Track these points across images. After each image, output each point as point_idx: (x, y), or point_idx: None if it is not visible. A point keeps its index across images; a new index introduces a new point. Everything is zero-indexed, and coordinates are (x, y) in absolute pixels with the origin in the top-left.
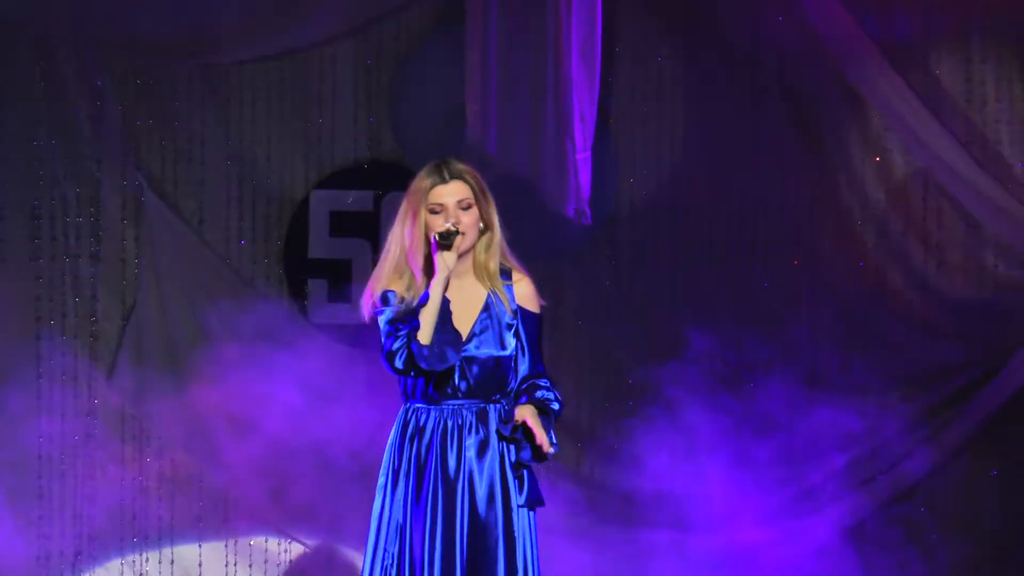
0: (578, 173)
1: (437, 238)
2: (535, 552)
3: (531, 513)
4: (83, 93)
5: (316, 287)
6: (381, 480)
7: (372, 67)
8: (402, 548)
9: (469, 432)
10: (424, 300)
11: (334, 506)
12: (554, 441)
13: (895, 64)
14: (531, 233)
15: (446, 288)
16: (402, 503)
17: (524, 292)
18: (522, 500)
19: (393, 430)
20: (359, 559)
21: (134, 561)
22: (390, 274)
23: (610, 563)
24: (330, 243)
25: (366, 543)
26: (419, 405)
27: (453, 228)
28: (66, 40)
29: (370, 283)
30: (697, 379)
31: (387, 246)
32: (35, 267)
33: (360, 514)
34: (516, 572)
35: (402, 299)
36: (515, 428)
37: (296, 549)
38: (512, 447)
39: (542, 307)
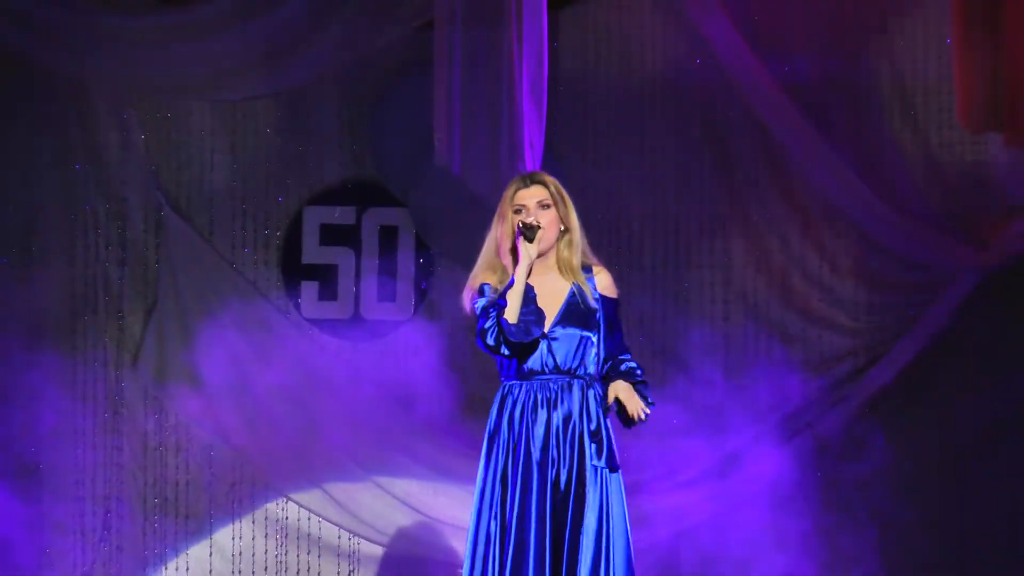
0: None
1: (520, 227)
2: (620, 510)
3: (612, 475)
4: (112, 125)
5: (308, 288)
6: (483, 450)
7: (354, 103)
8: (505, 512)
9: (556, 405)
10: (510, 285)
11: (327, 471)
12: (651, 400)
13: (793, 98)
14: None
15: (529, 274)
16: (500, 470)
17: (604, 282)
18: (601, 462)
19: (492, 406)
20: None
21: (155, 519)
22: (485, 270)
23: None
24: (320, 251)
25: (472, 510)
26: (513, 382)
27: (535, 223)
28: (98, 81)
29: (469, 280)
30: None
31: (484, 246)
32: (71, 271)
33: (351, 479)
34: (591, 530)
35: (495, 290)
36: (607, 408)
37: (292, 510)
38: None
39: (618, 298)
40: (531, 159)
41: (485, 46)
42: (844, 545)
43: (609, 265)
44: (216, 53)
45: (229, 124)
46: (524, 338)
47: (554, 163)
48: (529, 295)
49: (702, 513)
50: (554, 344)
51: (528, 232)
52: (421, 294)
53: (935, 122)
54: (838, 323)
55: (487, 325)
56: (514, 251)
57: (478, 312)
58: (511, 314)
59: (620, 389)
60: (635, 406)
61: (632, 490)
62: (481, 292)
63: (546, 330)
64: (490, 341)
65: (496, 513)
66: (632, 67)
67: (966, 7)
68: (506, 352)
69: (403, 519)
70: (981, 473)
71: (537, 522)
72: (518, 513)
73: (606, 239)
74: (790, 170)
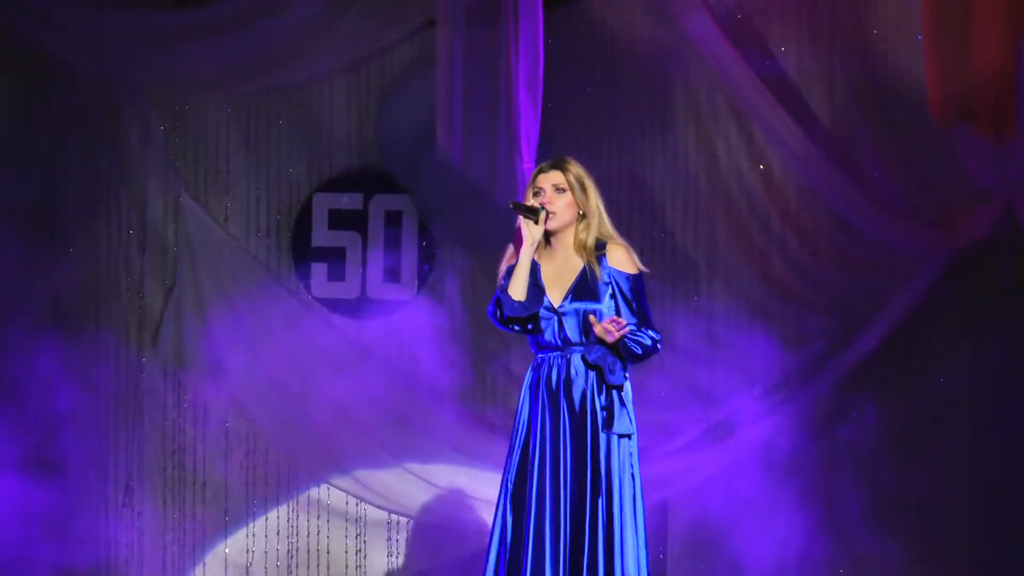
0: (525, 180)
1: (512, 205)
2: (632, 474)
3: (624, 440)
4: (134, 118)
5: (317, 269)
6: (516, 420)
7: (361, 97)
8: (524, 477)
9: (571, 374)
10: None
11: (338, 443)
12: (645, 344)
13: (774, 93)
14: (487, 226)
15: (538, 251)
16: (525, 441)
17: (617, 256)
18: (613, 429)
19: (525, 379)
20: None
21: (174, 486)
22: (515, 249)
23: None
24: (328, 235)
25: (502, 473)
26: (538, 356)
27: (538, 205)
28: (120, 77)
29: (503, 259)
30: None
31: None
32: (95, 254)
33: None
34: (601, 494)
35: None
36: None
37: (302, 479)
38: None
39: (641, 271)
40: (528, 151)
41: (484, 44)
42: (822, 511)
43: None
44: (232, 51)
45: (244, 117)
46: (523, 312)
47: (549, 154)
48: (534, 272)
49: (691, 480)
50: (565, 319)
51: (525, 212)
52: (424, 275)
53: (907, 113)
54: (815, 302)
55: (494, 302)
56: (544, 233)
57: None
58: (516, 291)
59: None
60: (599, 330)
61: None
62: (507, 275)
63: (557, 305)
64: (497, 315)
65: (512, 498)
66: (621, 62)
67: (937, 3)
68: (515, 328)
69: (411, 488)
70: (952, 438)
71: (552, 486)
72: (536, 501)
73: None
74: (770, 159)
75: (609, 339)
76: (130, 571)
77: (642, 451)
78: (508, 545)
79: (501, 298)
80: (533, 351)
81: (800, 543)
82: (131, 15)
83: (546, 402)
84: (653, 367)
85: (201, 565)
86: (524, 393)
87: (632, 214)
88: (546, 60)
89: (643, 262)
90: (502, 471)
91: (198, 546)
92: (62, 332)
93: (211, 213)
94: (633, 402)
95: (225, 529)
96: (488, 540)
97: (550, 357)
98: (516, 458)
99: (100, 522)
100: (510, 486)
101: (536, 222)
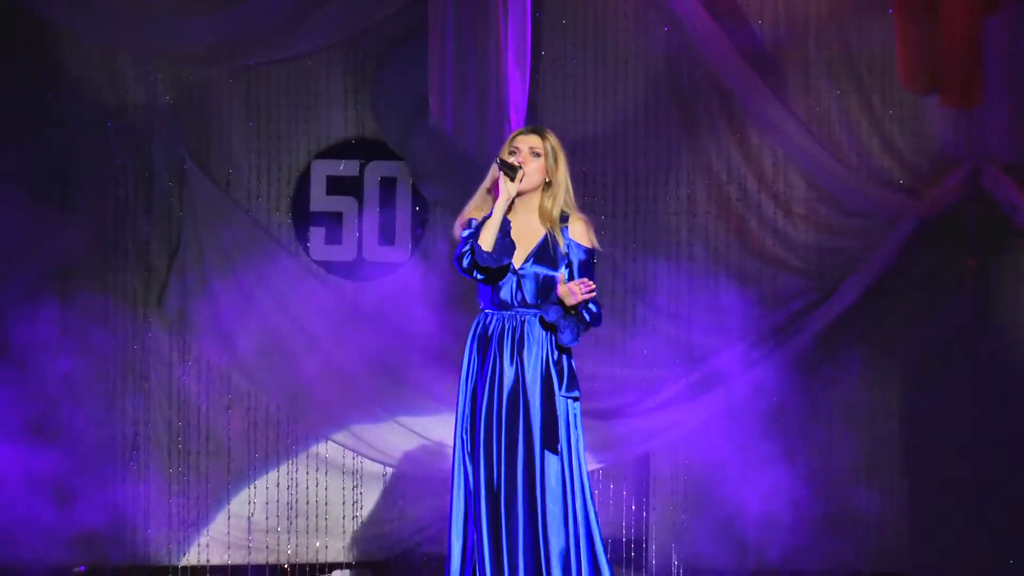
0: None
1: (499, 162)
2: (577, 433)
3: (572, 402)
4: (140, 88)
5: (316, 233)
6: (462, 373)
7: (357, 68)
8: (474, 429)
9: (525, 334)
10: (490, 216)
11: (333, 396)
12: (596, 311)
13: (753, 66)
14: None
15: (509, 210)
16: (474, 393)
17: (577, 229)
18: (563, 391)
19: (470, 332)
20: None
21: (180, 441)
22: (478, 201)
23: None
24: (326, 200)
25: (454, 426)
26: (489, 311)
27: (517, 164)
28: (126, 49)
29: (462, 213)
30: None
31: (484, 181)
32: (103, 218)
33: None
34: (557, 445)
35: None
36: (551, 300)
37: (300, 432)
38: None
39: (595, 247)
40: (516, 119)
41: (474, 17)
42: (804, 462)
43: (586, 209)
44: (233, 23)
45: (244, 87)
46: (493, 264)
47: (536, 123)
48: (504, 227)
49: (674, 433)
50: (523, 281)
51: (507, 169)
52: (416, 239)
53: (879, 85)
54: (792, 264)
55: (464, 249)
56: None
57: (460, 240)
58: (486, 242)
59: (564, 290)
60: (564, 290)
61: (611, 415)
62: (468, 225)
63: (517, 267)
64: (465, 263)
65: (468, 449)
66: (606, 35)
67: None
68: (480, 277)
69: (404, 442)
70: (921, 390)
71: (507, 436)
72: (494, 430)
73: (582, 189)
74: (748, 128)
75: (572, 300)
76: (136, 523)
77: (627, 406)
78: (472, 496)
79: (474, 247)
80: (482, 306)
81: (783, 493)
82: None
83: (498, 359)
84: (636, 326)
85: (205, 516)
86: (471, 345)
87: (616, 180)
88: (534, 33)
89: (627, 224)
90: (455, 425)
91: (202, 498)
92: (71, 294)
93: (214, 179)
94: (619, 362)
95: (228, 482)
96: (450, 494)
97: (504, 316)
98: (467, 411)
99: (107, 476)
100: (465, 438)
101: (512, 179)
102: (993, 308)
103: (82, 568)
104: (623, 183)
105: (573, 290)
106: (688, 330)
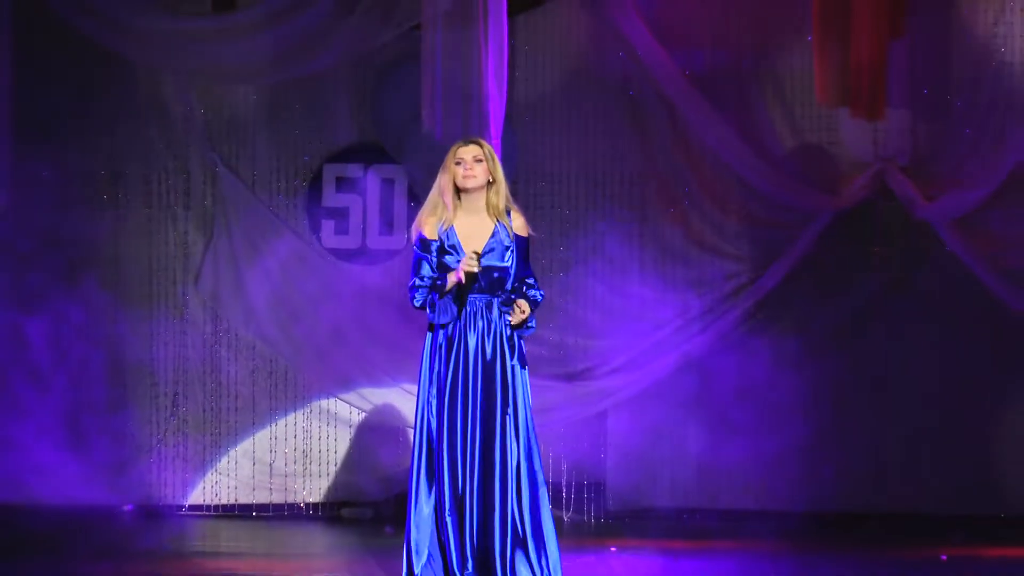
0: (496, 152)
1: (465, 266)
2: (527, 398)
3: (523, 370)
4: (178, 102)
5: (327, 225)
6: (425, 351)
7: (361, 85)
8: (439, 400)
9: (482, 316)
10: (444, 284)
11: (344, 363)
12: (531, 325)
13: (693, 83)
14: None
15: (455, 217)
16: (436, 370)
17: (519, 223)
18: (514, 360)
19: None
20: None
21: (213, 399)
22: (430, 207)
23: None
24: (336, 197)
25: (416, 399)
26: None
27: (478, 270)
28: (167, 71)
29: (417, 216)
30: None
31: (432, 190)
32: (147, 214)
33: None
34: (510, 406)
35: (435, 239)
36: (511, 309)
37: (314, 392)
38: (508, 320)
39: (530, 234)
40: (495, 128)
41: (459, 44)
42: (740, 412)
43: (550, 208)
44: (255, 49)
45: (266, 101)
46: (441, 320)
47: (512, 132)
48: (454, 292)
49: (627, 393)
50: (480, 275)
51: (471, 269)
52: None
53: (799, 99)
54: (727, 252)
55: (419, 296)
56: (457, 193)
57: (413, 264)
58: (442, 319)
59: (522, 303)
60: (519, 318)
61: (577, 377)
62: (423, 245)
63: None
64: (416, 305)
65: (433, 410)
66: (569, 59)
67: (823, 11)
68: (428, 316)
69: (403, 404)
70: (836, 357)
71: (463, 404)
72: (454, 399)
73: (548, 189)
74: (691, 137)
75: (521, 318)
76: (176, 468)
77: (587, 371)
78: (433, 451)
79: (433, 300)
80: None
81: (719, 444)
82: (174, 20)
83: (463, 334)
84: (595, 303)
85: (234, 463)
86: (438, 328)
87: (578, 182)
88: (510, 56)
89: (587, 219)
90: (420, 388)
91: (230, 445)
92: (122, 277)
93: (241, 179)
94: (583, 333)
95: (252, 432)
96: (412, 449)
97: (466, 299)
98: (439, 377)
99: (150, 426)
100: (433, 400)
101: (472, 275)
102: (896, 287)
103: (129, 507)
104: (584, 183)
105: (520, 318)
106: (639, 305)
